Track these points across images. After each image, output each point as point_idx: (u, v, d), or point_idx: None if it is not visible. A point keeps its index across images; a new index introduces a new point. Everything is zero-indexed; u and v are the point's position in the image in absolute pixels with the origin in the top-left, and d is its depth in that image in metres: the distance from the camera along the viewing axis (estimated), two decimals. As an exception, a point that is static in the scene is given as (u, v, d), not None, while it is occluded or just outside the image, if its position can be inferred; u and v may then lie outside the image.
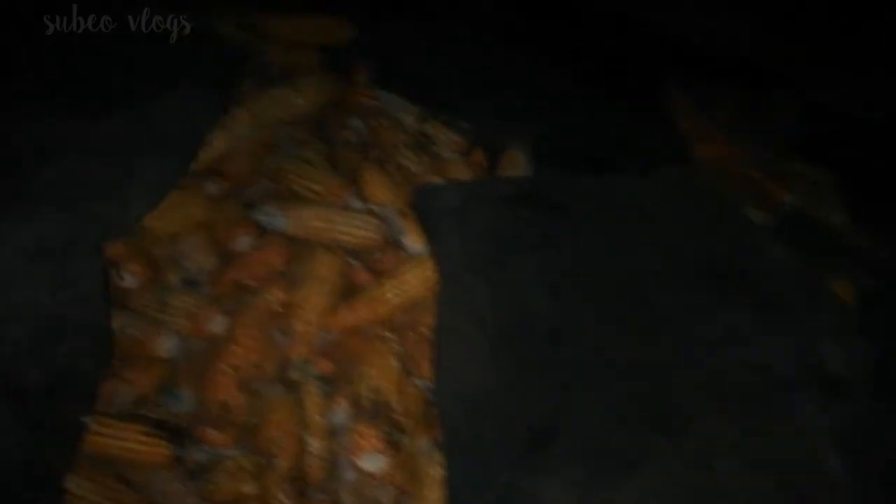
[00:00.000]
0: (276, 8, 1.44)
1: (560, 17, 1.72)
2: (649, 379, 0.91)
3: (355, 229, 1.10)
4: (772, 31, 2.10)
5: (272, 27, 1.41)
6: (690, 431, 0.83)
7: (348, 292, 1.09)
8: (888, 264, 1.26)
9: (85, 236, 0.92)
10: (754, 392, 0.86)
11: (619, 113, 1.46)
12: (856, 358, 0.88)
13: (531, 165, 1.24)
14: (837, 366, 0.87)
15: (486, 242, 1.03)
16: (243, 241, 1.08)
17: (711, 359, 0.91)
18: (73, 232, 0.92)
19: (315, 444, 0.92)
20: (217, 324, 1.00)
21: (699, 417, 0.87)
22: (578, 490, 0.81)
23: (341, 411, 0.94)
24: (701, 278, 1.03)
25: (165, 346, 0.99)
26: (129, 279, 1.01)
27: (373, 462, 0.86)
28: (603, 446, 0.86)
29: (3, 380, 0.82)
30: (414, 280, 1.05)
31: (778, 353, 0.90)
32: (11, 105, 1.03)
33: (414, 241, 1.11)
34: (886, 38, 1.82)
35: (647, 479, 0.80)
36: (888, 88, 1.91)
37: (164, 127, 1.10)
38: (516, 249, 1.04)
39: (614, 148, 1.33)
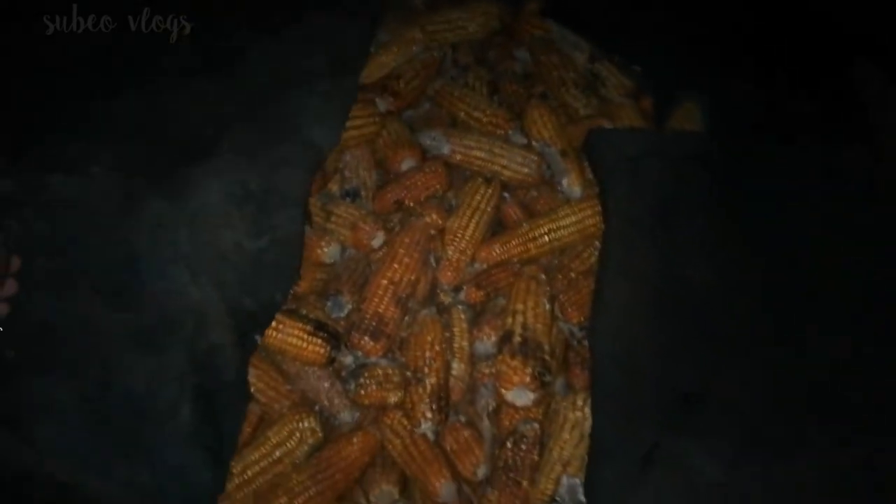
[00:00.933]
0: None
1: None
2: (812, 366, 0.87)
3: (515, 164, 1.09)
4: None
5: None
6: (856, 428, 0.79)
7: (499, 226, 1.09)
8: None
9: (285, 180, 0.96)
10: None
11: (802, 81, 1.35)
12: None
13: (707, 123, 1.16)
14: None
15: (655, 199, 0.99)
16: (407, 162, 1.09)
17: (873, 375, 0.86)
18: (270, 179, 0.95)
19: (459, 368, 0.95)
20: (377, 239, 1.03)
21: (865, 414, 0.82)
22: (725, 462, 0.80)
23: (488, 341, 0.96)
24: (861, 278, 0.96)
25: (328, 252, 1.03)
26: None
27: (520, 396, 0.88)
28: (754, 424, 0.84)
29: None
30: (570, 225, 1.03)
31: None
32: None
33: (572, 184, 1.09)
34: None
35: (802, 470, 0.78)
36: None
37: (334, 44, 1.11)
38: (683, 212, 1.00)
39: (798, 123, 1.23)
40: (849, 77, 1.44)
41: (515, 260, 1.04)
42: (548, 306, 0.96)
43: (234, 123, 0.95)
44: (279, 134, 0.97)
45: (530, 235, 1.04)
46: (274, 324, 0.93)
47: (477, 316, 1.00)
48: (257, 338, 0.94)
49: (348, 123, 1.09)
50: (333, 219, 1.04)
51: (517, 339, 0.90)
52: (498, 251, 1.04)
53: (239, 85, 1.00)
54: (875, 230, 1.03)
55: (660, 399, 0.86)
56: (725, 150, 1.07)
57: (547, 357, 0.90)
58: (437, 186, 1.08)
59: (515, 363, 0.88)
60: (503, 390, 0.89)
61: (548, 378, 0.89)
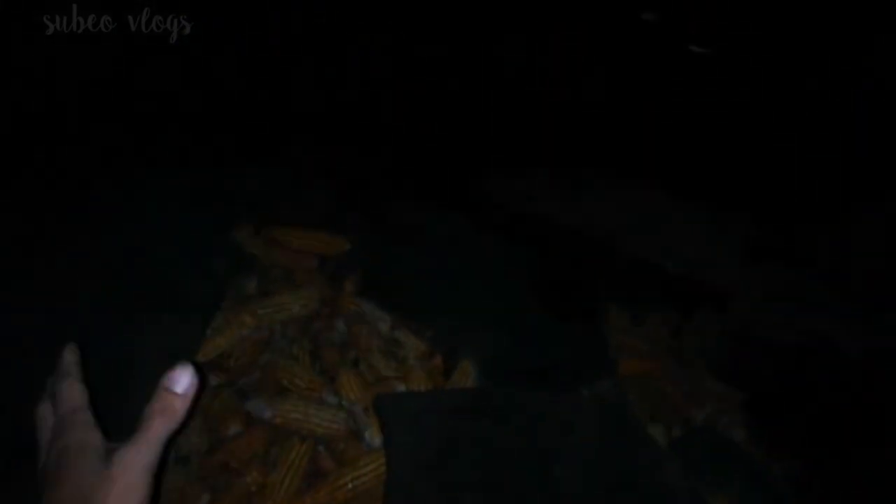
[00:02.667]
0: (287, 222, 1.79)
1: (526, 238, 2.09)
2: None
3: (326, 422, 1.34)
4: (714, 254, 2.50)
5: (281, 236, 1.75)
6: None
7: (314, 476, 1.30)
8: (777, 481, 1.48)
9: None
10: None
11: (564, 329, 1.76)
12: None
13: (478, 376, 1.50)
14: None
15: (432, 447, 1.26)
16: (233, 429, 1.31)
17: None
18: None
19: None
20: (202, 501, 1.20)
21: None
22: None
23: (295, 588, 1.12)
24: (605, 491, 1.25)
25: (156, 518, 1.18)
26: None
27: None
28: None
29: None
30: (370, 472, 1.27)
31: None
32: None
33: (374, 436, 1.34)
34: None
35: None
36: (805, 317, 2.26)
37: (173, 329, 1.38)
38: (457, 454, 1.26)
39: (551, 364, 1.60)
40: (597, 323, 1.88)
41: (326, 507, 1.25)
42: (345, 549, 1.15)
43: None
44: (118, 420, 1.17)
45: (336, 484, 1.25)
46: None
47: (289, 564, 1.17)
48: None
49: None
50: (163, 485, 1.21)
51: (315, 582, 1.08)
52: (309, 501, 1.24)
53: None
54: (600, 448, 1.35)
55: None
56: (487, 401, 1.39)
57: None
58: (259, 448, 1.29)
59: None
60: None
61: None
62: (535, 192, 2.34)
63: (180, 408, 0.77)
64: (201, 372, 0.82)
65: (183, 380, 0.78)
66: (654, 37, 2.82)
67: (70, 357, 0.88)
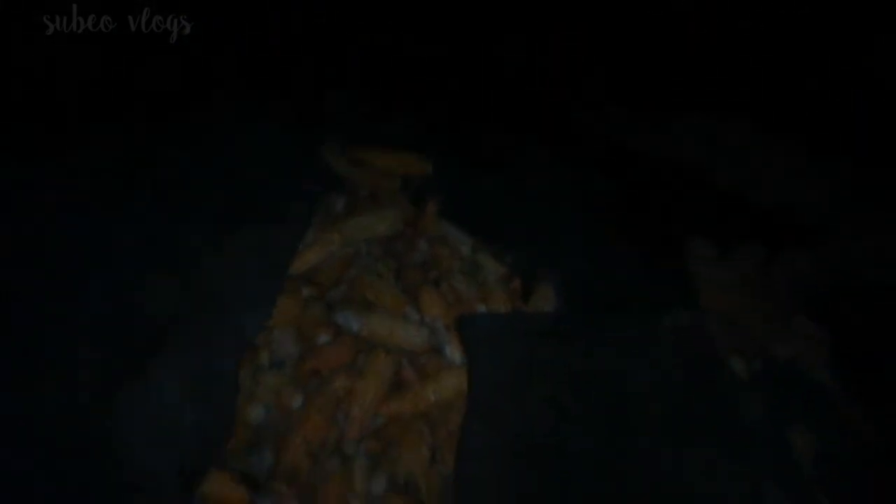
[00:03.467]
0: (371, 142, 1.82)
1: (608, 170, 2.05)
2: (625, 499, 1.14)
3: (409, 336, 1.40)
4: (805, 188, 2.37)
5: (366, 157, 1.78)
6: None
7: (397, 386, 1.38)
8: (859, 424, 1.45)
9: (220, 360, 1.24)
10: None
11: (642, 258, 1.74)
12: (793, 500, 1.10)
13: (558, 301, 1.51)
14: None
15: (512, 368, 1.30)
16: (323, 338, 1.39)
17: (679, 489, 1.14)
18: (210, 361, 1.24)
19: (358, 506, 1.19)
20: (296, 400, 1.30)
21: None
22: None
23: (380, 483, 1.21)
24: (681, 420, 1.27)
25: (255, 414, 1.29)
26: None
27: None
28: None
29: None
30: (450, 385, 1.33)
31: (730, 488, 1.13)
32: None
33: (454, 352, 1.39)
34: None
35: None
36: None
37: (269, 243, 1.46)
38: (536, 377, 1.30)
39: (631, 292, 1.60)
40: (681, 255, 1.85)
41: (408, 415, 1.32)
42: (426, 452, 1.23)
43: (183, 317, 1.25)
44: (220, 324, 1.27)
45: (420, 395, 1.33)
46: (208, 476, 1.17)
47: (374, 463, 1.26)
48: (198, 488, 1.17)
49: (276, 308, 1.39)
50: (261, 385, 1.31)
51: (398, 479, 1.16)
52: (392, 407, 1.32)
53: (191, 285, 1.30)
54: (681, 379, 1.35)
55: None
56: (568, 325, 1.41)
57: (422, 495, 1.16)
58: (346, 356, 1.37)
59: (397, 500, 1.13)
60: (387, 524, 1.14)
61: (424, 512, 1.14)
62: (623, 124, 2.26)
63: None
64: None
65: None
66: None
67: None
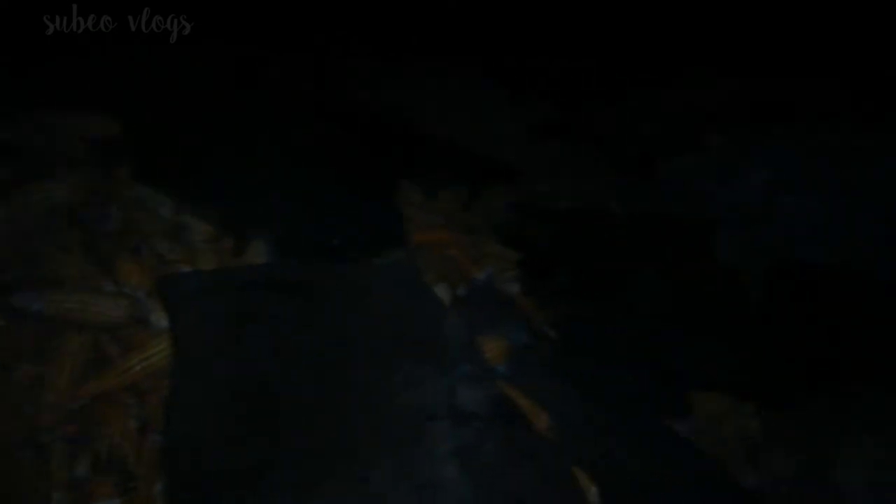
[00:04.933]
0: (49, 103, 1.61)
1: (324, 121, 2.08)
2: (341, 424, 1.22)
3: (107, 310, 1.30)
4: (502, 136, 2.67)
5: (42, 122, 1.58)
6: (358, 459, 1.14)
7: (100, 364, 1.27)
8: (540, 325, 1.73)
9: None
10: (410, 424, 1.21)
11: (359, 206, 1.82)
12: (481, 398, 1.28)
13: (272, 254, 1.52)
14: (467, 403, 1.25)
15: (223, 321, 1.28)
16: (-3, 324, 1.22)
17: (386, 403, 1.24)
18: None
19: (57, 496, 1.09)
20: (-35, 399, 1.13)
21: (369, 448, 1.18)
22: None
23: (83, 466, 1.13)
24: (393, 342, 1.37)
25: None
26: None
27: (107, 506, 1.06)
28: (303, 477, 1.14)
29: None
30: (158, 352, 1.27)
31: (432, 394, 1.26)
32: None
33: (160, 319, 1.33)
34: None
35: (330, 497, 1.10)
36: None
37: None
38: (250, 325, 1.30)
39: (346, 238, 1.67)
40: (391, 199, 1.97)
41: (114, 390, 1.23)
42: (134, 423, 1.17)
43: None
44: None
45: (123, 368, 1.24)
46: None
47: (74, 447, 1.16)
48: None
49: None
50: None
51: (102, 457, 1.09)
52: (94, 386, 1.22)
53: None
54: (392, 307, 1.46)
55: (231, 474, 1.12)
56: (281, 274, 1.42)
57: (132, 467, 1.10)
58: (28, 341, 1.22)
59: (100, 479, 1.07)
60: (93, 505, 1.07)
61: (135, 485, 1.09)
62: (344, 71, 2.32)
63: None
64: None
65: None
66: None
67: None
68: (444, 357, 1.32)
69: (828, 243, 2.06)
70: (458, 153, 2.38)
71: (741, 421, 1.63)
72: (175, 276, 1.34)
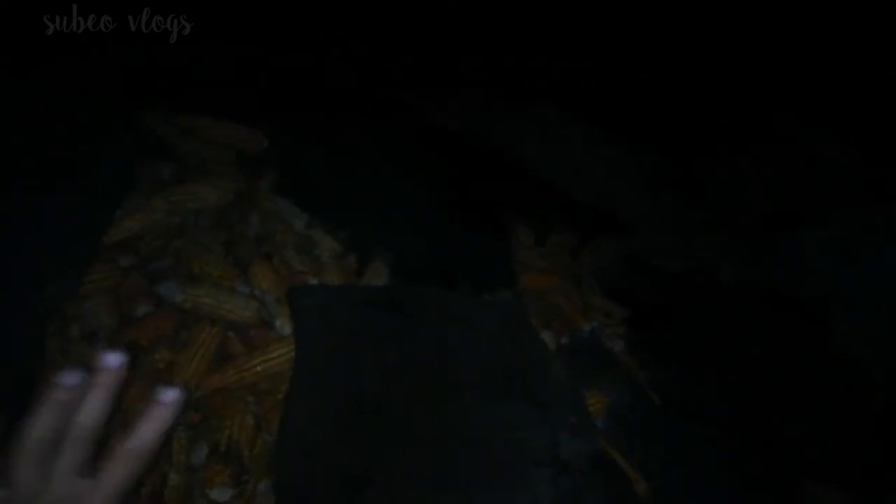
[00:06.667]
0: (203, 112, 1.76)
1: (443, 151, 2.15)
2: (442, 451, 1.23)
3: (238, 308, 1.38)
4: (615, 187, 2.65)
5: (199, 126, 1.72)
6: (459, 489, 1.15)
7: (224, 358, 1.35)
8: (643, 384, 1.68)
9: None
10: (512, 465, 1.20)
11: (473, 241, 1.86)
12: (583, 451, 1.26)
13: (391, 277, 1.57)
14: (570, 454, 1.24)
15: (342, 336, 1.34)
16: (143, 308, 1.33)
17: (489, 439, 1.25)
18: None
19: (174, 478, 1.16)
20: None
21: (472, 483, 1.19)
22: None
23: (200, 453, 1.19)
24: (497, 380, 1.38)
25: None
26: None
27: (222, 494, 1.11)
28: (402, 496, 1.16)
29: None
30: (279, 356, 1.33)
31: (537, 440, 1.26)
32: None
33: (284, 325, 1.40)
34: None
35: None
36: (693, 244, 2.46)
37: (82, 206, 1.36)
38: (363, 342, 1.35)
39: (458, 271, 1.70)
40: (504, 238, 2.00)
41: (234, 386, 1.31)
42: (251, 421, 1.23)
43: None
44: (21, 290, 1.16)
45: (245, 366, 1.31)
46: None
47: (195, 434, 1.23)
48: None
49: (88, 277, 1.30)
50: (70, 356, 1.22)
51: (221, 448, 1.15)
52: (217, 378, 1.29)
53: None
54: (498, 346, 1.47)
55: (333, 485, 1.15)
56: (397, 298, 1.47)
57: (246, 462, 1.15)
58: (168, 328, 1.32)
59: (218, 468, 1.12)
60: (208, 490, 1.12)
61: (247, 478, 1.14)
62: (457, 108, 2.38)
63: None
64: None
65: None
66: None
67: None
68: (551, 404, 1.31)
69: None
70: (568, 199, 2.38)
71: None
72: (304, 287, 1.40)
